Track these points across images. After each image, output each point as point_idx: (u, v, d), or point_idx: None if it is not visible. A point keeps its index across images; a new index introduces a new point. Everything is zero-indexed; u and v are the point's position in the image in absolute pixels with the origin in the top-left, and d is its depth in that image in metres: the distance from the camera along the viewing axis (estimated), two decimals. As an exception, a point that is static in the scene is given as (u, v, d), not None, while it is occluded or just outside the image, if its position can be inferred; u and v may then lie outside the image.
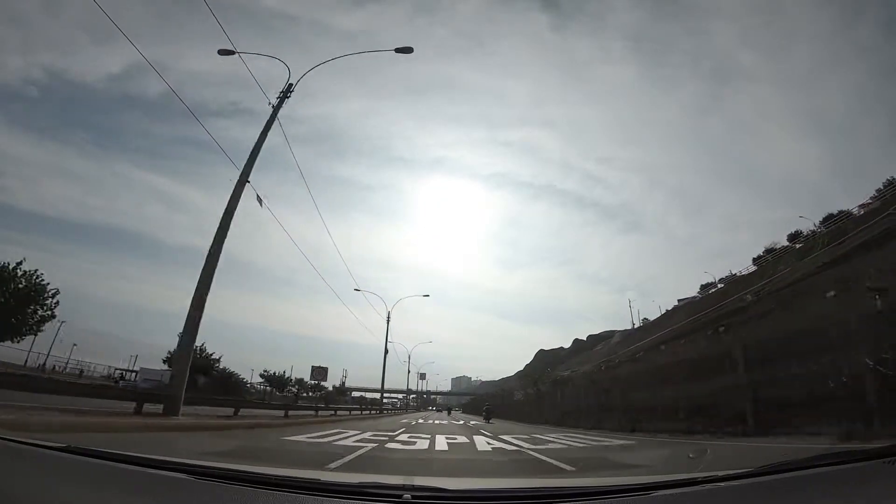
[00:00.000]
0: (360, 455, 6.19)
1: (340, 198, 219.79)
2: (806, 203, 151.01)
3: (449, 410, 74.37)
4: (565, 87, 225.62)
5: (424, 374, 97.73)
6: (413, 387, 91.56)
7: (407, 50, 16.36)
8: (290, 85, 14.41)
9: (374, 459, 6.08)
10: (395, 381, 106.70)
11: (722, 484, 1.57)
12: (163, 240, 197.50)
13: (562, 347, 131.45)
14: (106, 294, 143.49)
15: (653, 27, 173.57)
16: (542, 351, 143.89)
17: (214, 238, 12.71)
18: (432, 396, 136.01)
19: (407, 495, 1.44)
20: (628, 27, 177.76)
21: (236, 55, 13.25)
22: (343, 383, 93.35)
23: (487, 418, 33.49)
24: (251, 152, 13.35)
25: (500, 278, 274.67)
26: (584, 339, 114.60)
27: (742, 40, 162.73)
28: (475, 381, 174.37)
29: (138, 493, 1.46)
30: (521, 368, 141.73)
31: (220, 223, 12.81)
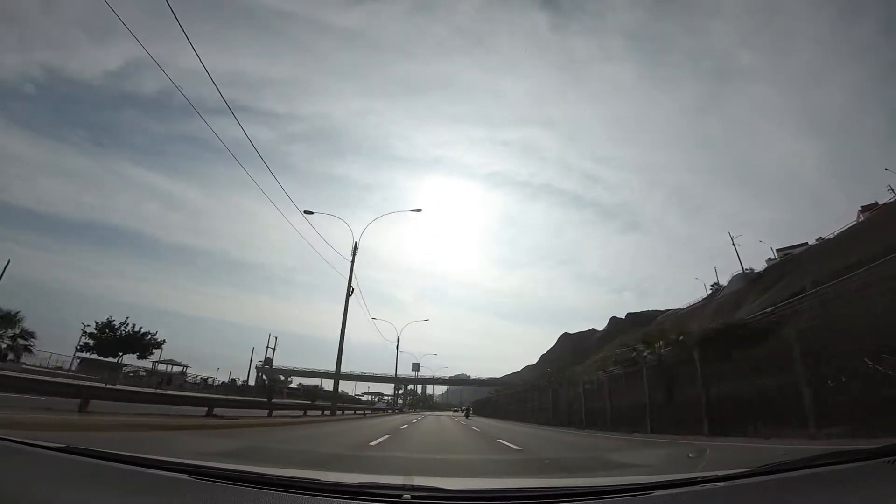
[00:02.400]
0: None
1: (338, 197, 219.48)
2: (804, 204, 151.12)
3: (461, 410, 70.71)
4: (565, 87, 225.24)
5: (419, 365, 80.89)
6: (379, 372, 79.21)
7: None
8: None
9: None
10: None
11: (721, 484, 1.57)
12: (160, 238, 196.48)
13: (593, 329, 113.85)
14: (103, 292, 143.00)
15: (652, 26, 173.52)
16: (566, 335, 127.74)
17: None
18: (428, 393, 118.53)
19: (406, 495, 1.45)
20: (628, 26, 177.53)
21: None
22: (269, 361, 68.22)
23: (467, 415, 47.82)
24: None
25: (498, 278, 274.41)
26: (623, 317, 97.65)
27: (741, 40, 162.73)
28: (474, 379, 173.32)
29: (138, 493, 1.46)
30: (535, 361, 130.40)
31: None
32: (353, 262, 25.82)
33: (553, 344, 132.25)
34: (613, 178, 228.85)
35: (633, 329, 67.54)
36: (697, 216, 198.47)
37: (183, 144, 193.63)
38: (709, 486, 1.55)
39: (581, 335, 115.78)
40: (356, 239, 26.38)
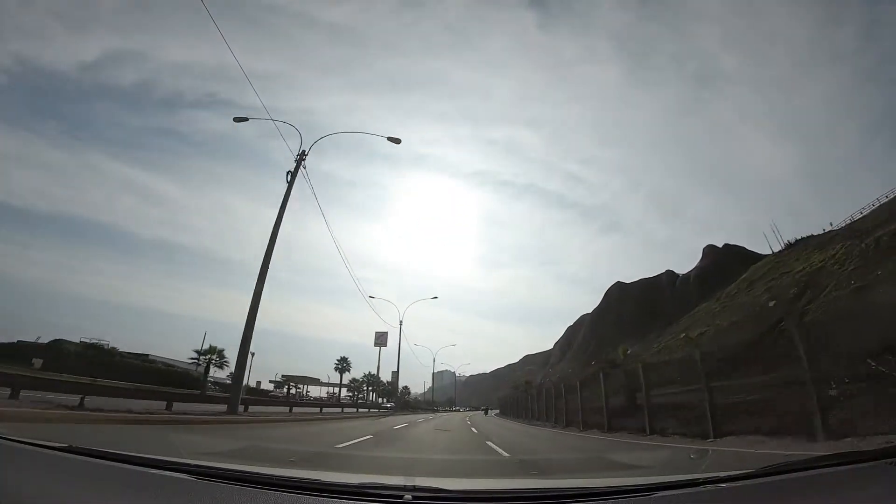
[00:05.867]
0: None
1: (322, 194, 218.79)
2: (779, 207, 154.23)
3: (486, 410, 63.25)
4: (551, 87, 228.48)
5: (384, 335, 46.94)
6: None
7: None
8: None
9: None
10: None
11: (724, 485, 1.58)
12: (137, 233, 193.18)
13: (671, 272, 78.60)
14: (78, 289, 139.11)
15: (638, 28, 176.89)
16: (619, 286, 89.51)
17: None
18: (406, 392, 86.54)
19: (408, 496, 1.46)
20: (614, 27, 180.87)
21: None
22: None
23: (486, 412, 50.13)
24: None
25: (481, 277, 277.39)
26: (720, 247, 67.33)
27: (725, 43, 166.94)
28: (460, 376, 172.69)
29: (139, 493, 1.46)
30: (549, 347, 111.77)
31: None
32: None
33: (598, 302, 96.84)
34: (596, 179, 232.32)
35: (740, 268, 44.41)
36: (676, 218, 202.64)
37: (161, 138, 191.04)
38: (711, 487, 1.56)
39: (648, 285, 79.88)
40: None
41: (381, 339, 47.92)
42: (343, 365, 62.69)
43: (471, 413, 58.12)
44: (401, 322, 39.92)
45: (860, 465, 1.63)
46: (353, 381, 66.49)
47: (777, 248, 43.76)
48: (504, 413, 49.08)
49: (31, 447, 1.87)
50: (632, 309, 75.04)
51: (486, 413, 57.15)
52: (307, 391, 65.70)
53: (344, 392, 65.33)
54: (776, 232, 47.54)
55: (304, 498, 1.39)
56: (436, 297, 43.08)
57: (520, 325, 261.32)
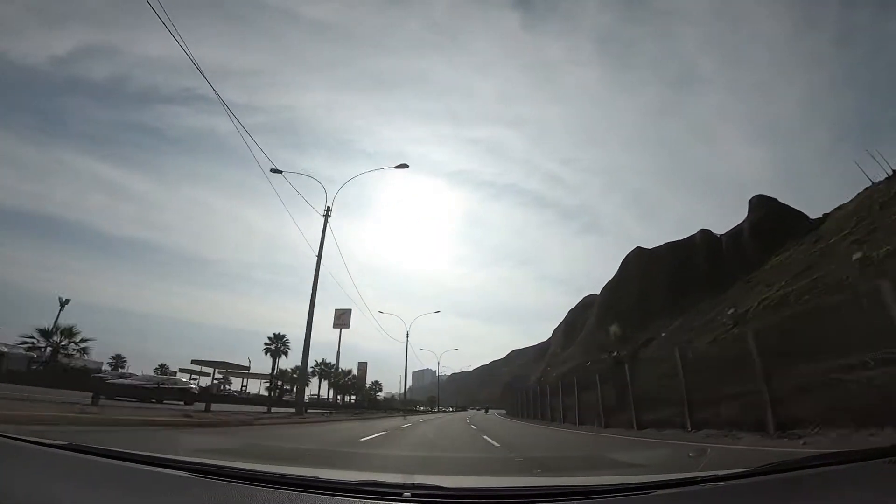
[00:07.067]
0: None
1: (300, 190, 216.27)
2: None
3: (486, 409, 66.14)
4: (533, 87, 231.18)
5: (346, 314, 38.22)
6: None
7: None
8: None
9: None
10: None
11: (722, 483, 1.58)
12: (109, 231, 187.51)
13: (706, 232, 65.14)
14: (49, 288, 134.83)
15: (621, 30, 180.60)
16: (640, 252, 72.90)
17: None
18: (376, 388, 70.32)
19: (407, 493, 1.45)
20: (599, 29, 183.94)
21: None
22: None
23: (486, 411, 49.90)
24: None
25: (461, 276, 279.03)
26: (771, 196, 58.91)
27: (704, 46, 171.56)
28: (443, 374, 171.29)
29: (139, 491, 1.46)
30: (545, 337, 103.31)
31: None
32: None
33: (612, 276, 78.73)
34: (575, 180, 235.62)
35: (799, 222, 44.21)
36: (653, 218, 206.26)
37: (136, 133, 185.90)
38: (709, 485, 1.56)
39: (678, 250, 65.61)
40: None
41: (341, 318, 38.00)
42: (277, 346, 43.96)
43: (468, 414, 50.46)
44: (326, 218, 23.22)
45: (858, 464, 1.64)
46: (296, 370, 44.68)
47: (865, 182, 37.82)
48: (515, 413, 40.43)
49: (30, 445, 1.87)
50: (659, 279, 62.09)
51: (486, 412, 57.23)
52: (244, 386, 53.99)
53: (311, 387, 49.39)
54: (877, 159, 40.07)
55: (304, 495, 1.37)
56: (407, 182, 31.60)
57: (503, 323, 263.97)
